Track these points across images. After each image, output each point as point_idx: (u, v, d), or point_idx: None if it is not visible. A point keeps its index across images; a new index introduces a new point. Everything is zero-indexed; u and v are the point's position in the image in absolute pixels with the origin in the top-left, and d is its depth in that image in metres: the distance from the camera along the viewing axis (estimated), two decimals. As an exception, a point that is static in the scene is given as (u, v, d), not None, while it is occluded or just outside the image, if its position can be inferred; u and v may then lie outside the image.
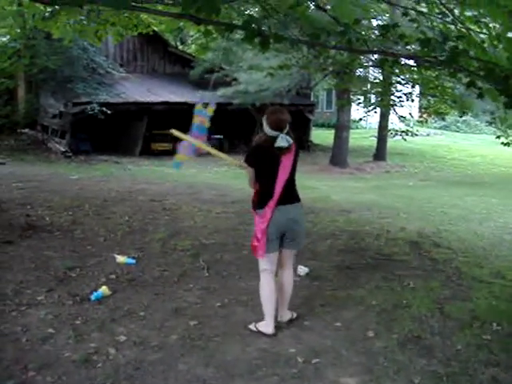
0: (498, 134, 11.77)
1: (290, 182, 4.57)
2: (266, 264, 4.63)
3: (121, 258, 6.46)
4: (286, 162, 4.48)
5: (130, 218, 8.77)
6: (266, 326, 4.59)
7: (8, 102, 20.89)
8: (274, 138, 4.40)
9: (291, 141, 4.47)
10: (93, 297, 5.24)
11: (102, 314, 4.91)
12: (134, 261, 6.45)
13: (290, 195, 4.58)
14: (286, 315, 4.83)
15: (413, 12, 5.18)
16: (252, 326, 4.67)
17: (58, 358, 4.07)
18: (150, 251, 6.95)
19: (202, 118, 5.15)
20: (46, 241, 7.24)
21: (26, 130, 21.25)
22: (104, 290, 5.37)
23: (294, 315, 4.89)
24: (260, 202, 4.55)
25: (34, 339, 4.36)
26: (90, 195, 10.92)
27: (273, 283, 4.65)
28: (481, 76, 4.41)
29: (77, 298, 5.24)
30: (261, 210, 4.52)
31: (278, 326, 4.66)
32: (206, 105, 5.14)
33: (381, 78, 12.98)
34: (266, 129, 4.48)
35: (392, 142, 22.24)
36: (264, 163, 4.51)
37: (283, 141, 4.40)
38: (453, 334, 4.66)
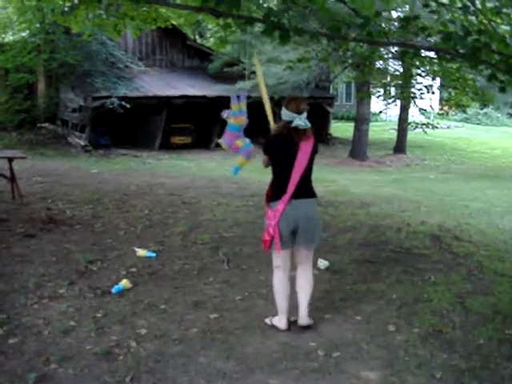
0: None
1: (307, 175, 4.38)
2: (278, 261, 4.51)
3: (141, 252, 6.49)
4: (303, 153, 4.29)
5: (149, 212, 8.80)
6: (279, 321, 4.55)
7: (28, 96, 21.01)
8: (291, 122, 4.26)
9: (309, 124, 4.29)
10: (114, 290, 5.27)
11: (123, 307, 4.94)
12: (154, 254, 6.48)
13: (306, 190, 4.41)
14: (305, 320, 4.53)
15: (433, 4, 5.12)
16: (268, 320, 4.64)
17: (80, 350, 4.11)
18: (170, 244, 6.98)
19: (238, 117, 5.13)
20: (67, 234, 7.29)
21: (46, 125, 21.36)
22: (125, 283, 5.40)
23: (312, 322, 4.59)
24: (274, 194, 4.41)
25: (55, 332, 4.40)
26: (110, 189, 10.98)
27: (285, 279, 4.53)
28: (502, 70, 4.35)
29: (98, 291, 5.28)
30: (274, 203, 4.37)
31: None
32: (238, 98, 5.11)
33: (401, 70, 12.91)
34: (284, 113, 4.32)
35: (412, 135, 22.08)
36: (280, 152, 4.36)
37: (300, 120, 4.24)
38: (474, 329, 4.63)
